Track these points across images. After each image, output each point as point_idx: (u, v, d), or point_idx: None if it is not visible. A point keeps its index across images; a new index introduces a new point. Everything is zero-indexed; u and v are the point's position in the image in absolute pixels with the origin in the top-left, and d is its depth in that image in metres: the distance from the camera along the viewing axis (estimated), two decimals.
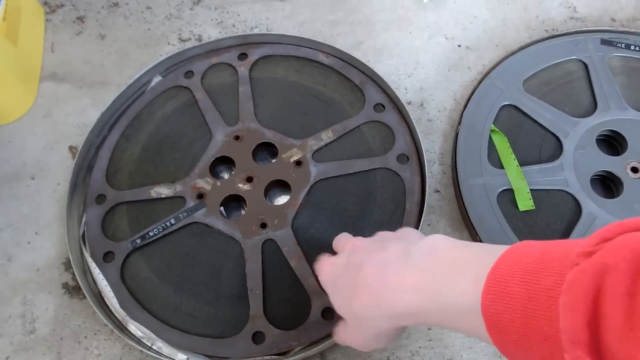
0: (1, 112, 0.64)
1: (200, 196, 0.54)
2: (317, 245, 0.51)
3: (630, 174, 0.53)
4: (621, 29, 0.62)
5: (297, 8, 0.68)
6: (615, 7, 0.66)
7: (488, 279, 0.28)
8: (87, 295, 0.49)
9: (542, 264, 0.26)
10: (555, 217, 0.52)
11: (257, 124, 0.58)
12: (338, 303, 0.39)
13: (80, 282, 0.50)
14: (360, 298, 0.36)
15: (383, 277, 0.35)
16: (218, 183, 0.55)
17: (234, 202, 0.55)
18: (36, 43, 0.69)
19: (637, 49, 0.60)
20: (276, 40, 0.63)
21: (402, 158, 0.55)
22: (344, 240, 0.42)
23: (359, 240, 0.41)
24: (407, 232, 0.41)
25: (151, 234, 0.52)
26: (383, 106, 0.57)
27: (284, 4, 0.69)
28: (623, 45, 0.60)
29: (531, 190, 0.52)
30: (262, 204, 0.53)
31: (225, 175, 0.57)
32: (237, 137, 0.57)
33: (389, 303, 0.34)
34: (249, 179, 0.54)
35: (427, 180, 0.53)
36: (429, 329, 0.49)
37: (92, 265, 0.51)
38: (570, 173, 0.53)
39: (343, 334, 0.41)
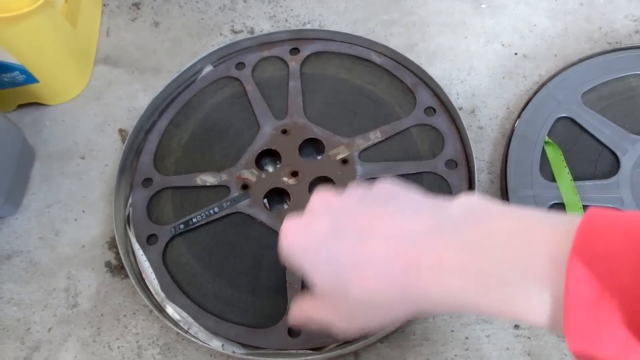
0: (57, 92, 0.66)
1: (245, 187, 0.54)
2: None
3: None
4: None
5: (351, 6, 0.68)
6: None
7: (574, 255, 0.22)
8: (129, 275, 0.50)
9: None
10: None
11: (305, 119, 0.58)
12: (322, 280, 0.30)
13: (123, 262, 0.51)
14: (367, 279, 0.28)
15: (407, 252, 0.27)
16: (263, 175, 0.55)
17: (277, 195, 0.55)
18: (93, 27, 0.71)
19: None
20: (329, 36, 0.63)
21: (451, 164, 0.54)
22: (313, 197, 0.34)
23: (340, 199, 0.32)
24: (396, 190, 0.31)
25: (194, 220, 0.53)
26: (434, 110, 0.57)
27: (338, 2, 0.68)
28: None
29: (584, 206, 0.51)
30: (306, 199, 0.52)
31: (270, 168, 0.57)
32: (284, 131, 0.57)
33: (417, 288, 0.27)
34: (294, 174, 0.54)
35: (476, 188, 0.52)
36: (467, 337, 0.48)
37: (136, 247, 0.52)
38: (627, 192, 0.51)
39: (319, 313, 0.33)
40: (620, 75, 0.58)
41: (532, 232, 0.25)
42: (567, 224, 0.24)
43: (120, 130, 0.63)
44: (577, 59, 0.59)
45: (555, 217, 0.25)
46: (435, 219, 0.28)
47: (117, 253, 0.54)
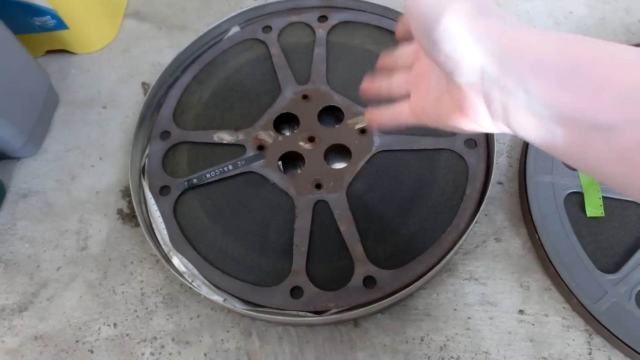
0: (85, 41, 0.66)
1: (261, 148, 0.54)
2: (368, 215, 0.50)
3: None
4: None
5: None
6: None
7: None
8: (140, 224, 0.50)
9: None
10: (624, 229, 0.49)
11: (327, 86, 0.57)
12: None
13: (135, 210, 0.51)
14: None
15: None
16: (280, 138, 0.55)
17: (292, 159, 0.55)
18: None
19: None
20: (359, 7, 0.62)
21: (470, 143, 0.53)
22: None
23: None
24: None
25: (208, 175, 0.53)
26: None
27: None
28: None
29: (603, 197, 0.50)
30: (320, 165, 0.53)
31: (288, 132, 0.57)
32: (305, 97, 0.57)
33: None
34: (311, 139, 0.54)
35: (493, 169, 0.51)
36: (469, 317, 0.47)
37: (149, 197, 0.53)
38: None
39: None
40: None
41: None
42: None
43: (143, 84, 0.63)
44: None
45: None
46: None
47: (130, 202, 0.55)
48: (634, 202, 0.49)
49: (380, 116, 0.38)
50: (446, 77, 0.28)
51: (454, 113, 0.29)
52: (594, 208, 0.49)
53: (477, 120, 0.28)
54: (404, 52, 0.37)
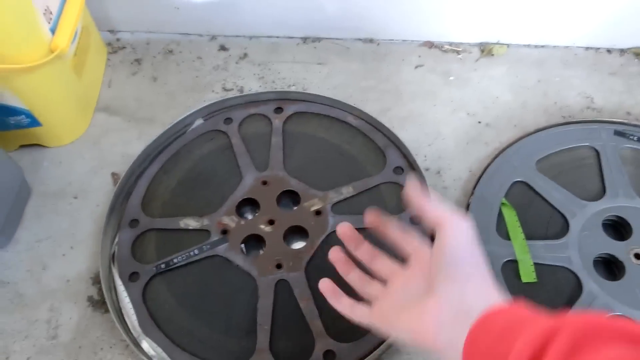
0: (57, 136, 0.71)
1: (224, 232, 0.58)
2: None
3: (633, 259, 0.55)
4: (635, 122, 0.66)
5: (333, 72, 0.75)
6: (631, 102, 0.70)
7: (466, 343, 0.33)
8: (110, 310, 0.53)
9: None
10: (556, 293, 0.54)
11: (284, 172, 0.63)
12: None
13: (105, 297, 0.54)
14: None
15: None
16: (242, 222, 0.59)
17: (254, 241, 0.59)
18: (97, 78, 0.77)
19: None
20: (310, 99, 0.69)
21: (416, 220, 0.58)
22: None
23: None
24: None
25: (175, 261, 0.57)
26: (402, 169, 0.62)
27: (322, 68, 0.75)
28: (636, 138, 0.64)
29: (535, 264, 0.55)
30: (280, 246, 0.57)
31: (250, 216, 0.61)
32: (264, 182, 0.62)
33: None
34: (271, 222, 0.59)
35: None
36: None
37: (118, 283, 0.55)
38: (575, 252, 0.56)
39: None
40: (572, 146, 0.64)
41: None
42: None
43: (113, 174, 0.68)
44: (533, 129, 0.65)
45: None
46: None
47: (100, 288, 0.57)
48: (560, 266, 0.55)
49: (342, 307, 0.43)
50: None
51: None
52: (527, 274, 0.55)
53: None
54: (383, 264, 0.44)
